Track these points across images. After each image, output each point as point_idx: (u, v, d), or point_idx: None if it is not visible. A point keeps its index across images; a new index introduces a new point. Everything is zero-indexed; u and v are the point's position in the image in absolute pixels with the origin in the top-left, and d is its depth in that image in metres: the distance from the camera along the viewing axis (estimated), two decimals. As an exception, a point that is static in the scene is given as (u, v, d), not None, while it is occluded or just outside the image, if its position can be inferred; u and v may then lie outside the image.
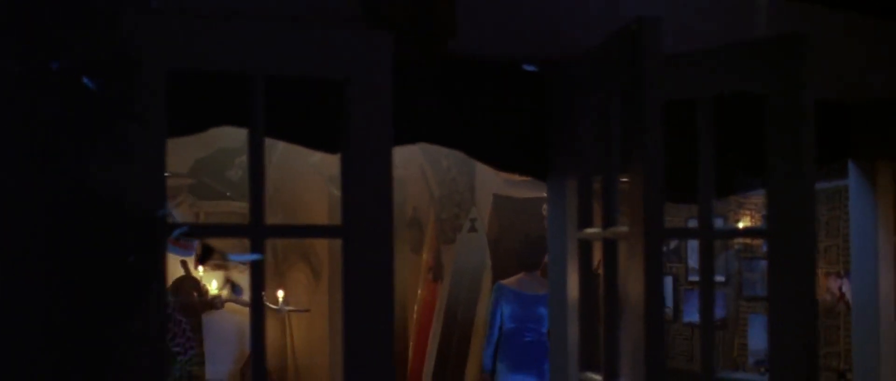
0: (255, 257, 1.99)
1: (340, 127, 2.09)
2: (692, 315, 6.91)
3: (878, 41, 3.44)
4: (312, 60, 2.05)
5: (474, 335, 6.90)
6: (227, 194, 6.78)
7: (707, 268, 2.47)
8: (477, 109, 2.73)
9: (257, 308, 2.04)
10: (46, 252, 1.80)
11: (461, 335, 7.14)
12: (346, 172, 2.08)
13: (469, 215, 7.23)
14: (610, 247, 2.38)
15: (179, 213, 6.30)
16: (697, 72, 2.42)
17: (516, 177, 5.84)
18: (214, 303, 6.90)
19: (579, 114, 2.57)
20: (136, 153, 1.87)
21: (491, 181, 6.94)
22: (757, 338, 6.28)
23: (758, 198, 6.04)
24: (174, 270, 6.69)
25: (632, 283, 2.14)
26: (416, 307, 7.56)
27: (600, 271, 2.45)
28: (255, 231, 2.01)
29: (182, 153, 6.35)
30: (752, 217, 6.41)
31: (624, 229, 2.23)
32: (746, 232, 6.13)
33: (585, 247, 2.55)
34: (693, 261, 6.87)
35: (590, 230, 2.52)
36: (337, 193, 2.06)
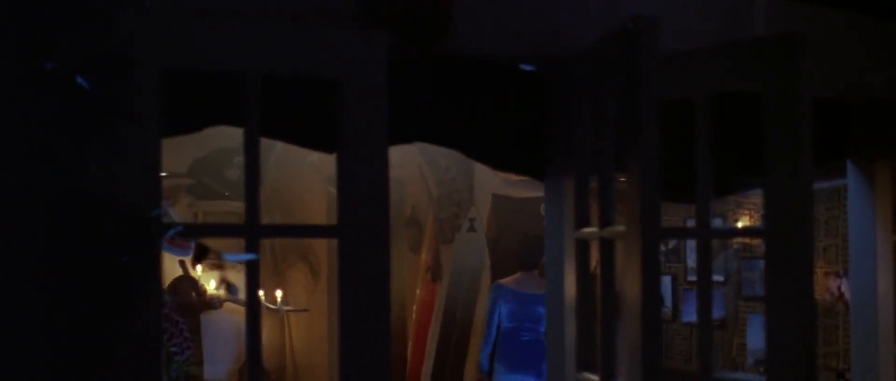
0: (250, 256, 1.98)
1: (336, 126, 2.08)
2: (691, 315, 6.91)
3: (878, 41, 3.43)
4: (308, 60, 2.04)
5: (473, 335, 6.89)
6: (226, 193, 6.77)
7: (704, 268, 2.47)
8: (475, 108, 2.73)
9: (253, 308, 2.03)
10: (40, 252, 1.79)
11: (460, 334, 7.13)
12: (342, 171, 2.07)
13: (468, 214, 7.22)
14: (607, 247, 2.37)
15: (176, 212, 6.29)
16: (695, 71, 2.41)
17: (515, 177, 5.83)
18: (213, 303, 6.90)
19: (577, 113, 2.56)
20: (130, 153, 1.86)
21: (490, 181, 6.93)
22: (756, 338, 6.28)
23: (757, 198, 6.03)
24: (172, 270, 6.68)
25: (629, 283, 2.14)
26: (414, 307, 7.55)
27: (598, 271, 2.44)
28: (250, 231, 2.00)
29: (180, 153, 6.34)
30: (751, 217, 6.40)
31: (621, 228, 2.22)
32: (744, 232, 6.13)
33: (583, 247, 2.54)
34: (692, 261, 6.87)
35: (587, 230, 2.51)
36: (335, 192, 2.05)
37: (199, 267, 6.86)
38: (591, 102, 2.47)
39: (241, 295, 6.75)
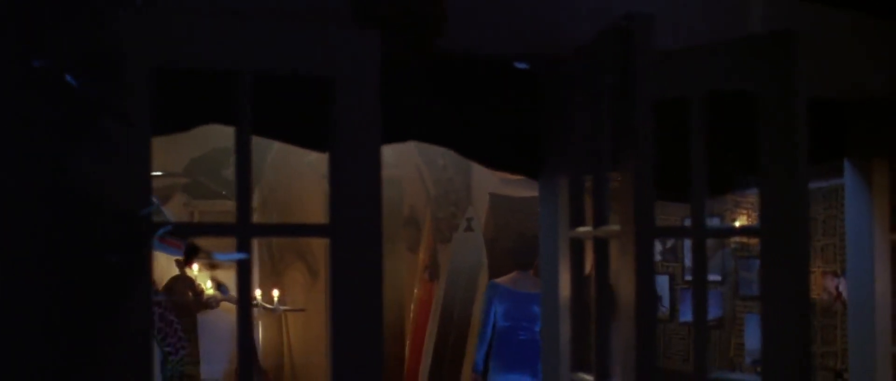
0: (241, 256, 1.97)
1: (329, 125, 2.07)
2: (688, 315, 6.89)
3: (877, 40, 3.42)
4: (299, 58, 2.03)
5: (470, 334, 6.89)
6: (224, 192, 6.77)
7: (700, 267, 2.45)
8: (469, 107, 2.71)
9: (244, 308, 2.02)
10: (29, 250, 1.78)
11: (458, 334, 7.13)
12: (334, 170, 2.06)
13: (465, 214, 7.22)
14: (601, 246, 2.36)
15: (170, 211, 6.29)
16: (690, 69, 2.39)
17: (512, 176, 5.82)
18: (209, 303, 6.89)
19: (572, 112, 2.55)
20: (120, 151, 1.85)
21: (487, 180, 6.93)
22: (754, 337, 6.27)
23: (755, 197, 6.02)
24: (169, 269, 6.68)
25: (623, 282, 2.12)
26: (412, 306, 7.55)
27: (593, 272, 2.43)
28: (241, 230, 1.99)
29: (177, 152, 6.34)
30: (748, 216, 6.39)
31: (615, 227, 2.21)
32: (739, 231, 6.12)
33: (577, 246, 2.53)
34: (690, 260, 6.86)
35: (581, 229, 2.50)
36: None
37: (195, 267, 6.86)
38: (586, 100, 2.46)
39: (232, 294, 6.76)
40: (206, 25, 1.97)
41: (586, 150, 2.46)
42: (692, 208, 2.40)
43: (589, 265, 2.54)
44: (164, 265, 6.66)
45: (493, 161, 2.90)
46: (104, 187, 1.84)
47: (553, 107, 2.67)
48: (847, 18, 3.34)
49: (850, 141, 3.47)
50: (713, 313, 6.56)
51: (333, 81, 2.03)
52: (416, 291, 7.51)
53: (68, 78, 1.80)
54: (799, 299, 2.29)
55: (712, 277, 6.51)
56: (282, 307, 7.22)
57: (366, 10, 2.22)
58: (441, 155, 7.07)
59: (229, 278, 6.89)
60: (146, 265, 1.91)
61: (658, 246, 7.04)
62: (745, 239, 6.42)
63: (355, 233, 2.06)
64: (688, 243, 6.68)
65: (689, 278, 6.92)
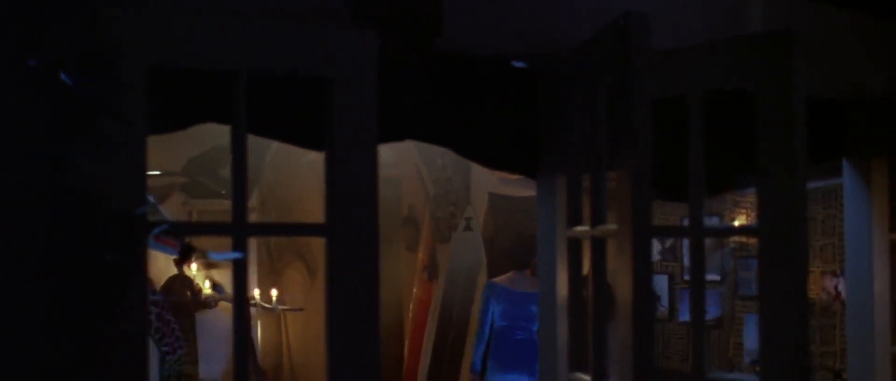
0: (236, 255, 1.96)
1: (325, 124, 2.06)
2: (687, 314, 6.89)
3: (877, 40, 3.41)
4: (296, 57, 2.02)
5: (469, 334, 6.88)
6: (223, 191, 6.77)
7: (697, 267, 2.45)
8: (468, 106, 2.71)
9: (240, 307, 2.01)
10: (23, 249, 1.78)
11: (456, 333, 7.12)
12: (331, 169, 2.05)
13: (464, 213, 7.21)
14: (598, 245, 2.35)
15: (167, 210, 6.28)
16: (687, 68, 2.39)
17: (512, 176, 5.82)
18: (208, 302, 6.89)
19: (569, 111, 2.54)
20: (116, 150, 1.85)
21: (487, 180, 6.92)
22: (753, 337, 6.26)
23: (754, 196, 6.01)
24: (167, 269, 6.67)
25: (620, 282, 2.12)
26: (411, 306, 7.54)
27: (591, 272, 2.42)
28: (237, 229, 1.98)
29: (176, 151, 6.33)
30: (748, 215, 6.38)
31: (612, 227, 2.20)
32: (737, 230, 6.11)
33: (575, 246, 2.52)
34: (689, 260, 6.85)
35: (579, 228, 2.49)
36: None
37: (194, 266, 6.85)
38: (584, 99, 2.45)
39: (228, 293, 6.75)
40: (203, 25, 1.96)
41: (584, 149, 2.45)
42: (690, 208, 2.40)
43: (587, 265, 2.54)
44: (163, 265, 6.66)
45: (491, 160, 2.90)
46: (100, 186, 1.83)
47: (551, 106, 2.66)
48: (847, 18, 3.34)
49: (850, 141, 3.47)
50: (712, 312, 6.55)
51: (331, 81, 2.02)
52: (414, 290, 7.51)
53: (64, 77, 1.79)
54: (797, 299, 2.28)
55: (711, 276, 6.51)
56: (280, 307, 7.22)
57: (364, 10, 2.21)
58: (440, 155, 7.07)
59: (227, 277, 6.89)
60: (142, 264, 1.90)
61: (657, 246, 7.04)
62: (744, 239, 6.41)
63: (352, 232, 2.06)
64: (687, 242, 6.67)
65: (688, 277, 6.91)
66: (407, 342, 7.50)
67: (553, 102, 2.65)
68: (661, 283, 7.03)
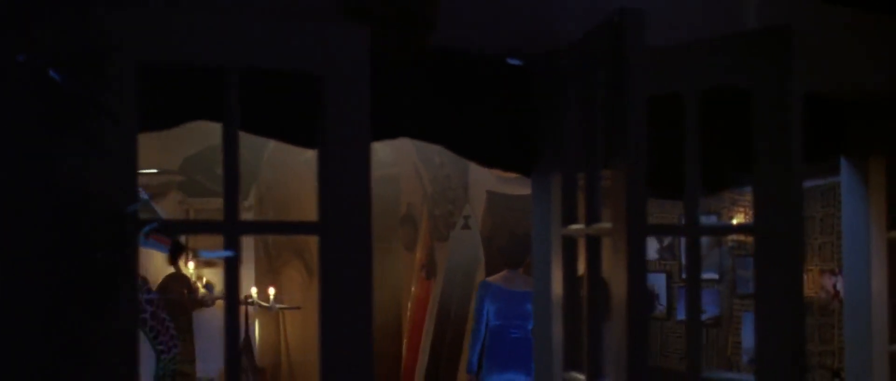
0: (228, 253, 1.95)
1: (317, 122, 2.05)
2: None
3: (876, 38, 3.39)
4: (287, 54, 2.00)
5: (467, 332, 6.87)
6: (219, 190, 6.76)
7: (693, 265, 2.44)
8: (461, 103, 2.69)
9: (232, 306, 2.00)
10: (12, 248, 1.76)
11: (454, 332, 7.11)
12: (323, 167, 2.04)
13: (462, 212, 7.20)
14: (593, 244, 2.34)
15: (163, 209, 6.27)
16: (683, 65, 2.37)
17: (510, 174, 5.81)
18: (205, 300, 6.88)
19: (564, 108, 2.53)
20: (106, 148, 1.83)
21: (485, 178, 6.91)
22: (751, 336, 6.24)
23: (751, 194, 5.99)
24: (164, 268, 6.66)
25: (615, 280, 2.10)
26: (409, 305, 7.53)
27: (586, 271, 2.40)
28: (229, 227, 1.97)
29: (172, 150, 6.32)
30: (745, 214, 6.37)
31: (607, 225, 2.19)
32: (733, 228, 6.09)
33: (570, 244, 2.50)
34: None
35: (574, 227, 2.47)
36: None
37: (191, 265, 6.84)
38: (579, 96, 2.44)
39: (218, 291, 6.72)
40: (192, 20, 1.94)
41: (580, 147, 2.44)
42: (686, 206, 2.39)
43: (582, 264, 2.52)
44: (160, 264, 6.65)
45: (486, 158, 2.88)
46: (90, 184, 1.82)
47: (546, 104, 2.65)
48: (846, 15, 3.32)
49: (848, 139, 3.45)
50: (710, 311, 6.54)
51: (322, 77, 2.01)
52: (412, 289, 7.49)
53: (53, 73, 1.78)
54: (793, 297, 2.27)
55: (709, 275, 6.49)
56: (278, 306, 7.21)
57: (355, 6, 2.20)
58: (438, 153, 7.05)
59: (211, 275, 6.88)
60: (132, 263, 1.89)
61: (655, 244, 7.03)
62: (742, 237, 6.40)
63: (345, 231, 2.04)
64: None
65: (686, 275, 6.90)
66: (405, 341, 7.49)
67: (548, 99, 2.64)
68: (659, 281, 7.02)
